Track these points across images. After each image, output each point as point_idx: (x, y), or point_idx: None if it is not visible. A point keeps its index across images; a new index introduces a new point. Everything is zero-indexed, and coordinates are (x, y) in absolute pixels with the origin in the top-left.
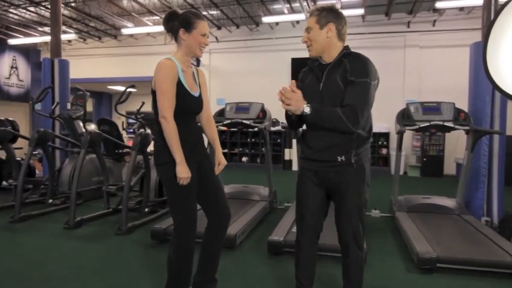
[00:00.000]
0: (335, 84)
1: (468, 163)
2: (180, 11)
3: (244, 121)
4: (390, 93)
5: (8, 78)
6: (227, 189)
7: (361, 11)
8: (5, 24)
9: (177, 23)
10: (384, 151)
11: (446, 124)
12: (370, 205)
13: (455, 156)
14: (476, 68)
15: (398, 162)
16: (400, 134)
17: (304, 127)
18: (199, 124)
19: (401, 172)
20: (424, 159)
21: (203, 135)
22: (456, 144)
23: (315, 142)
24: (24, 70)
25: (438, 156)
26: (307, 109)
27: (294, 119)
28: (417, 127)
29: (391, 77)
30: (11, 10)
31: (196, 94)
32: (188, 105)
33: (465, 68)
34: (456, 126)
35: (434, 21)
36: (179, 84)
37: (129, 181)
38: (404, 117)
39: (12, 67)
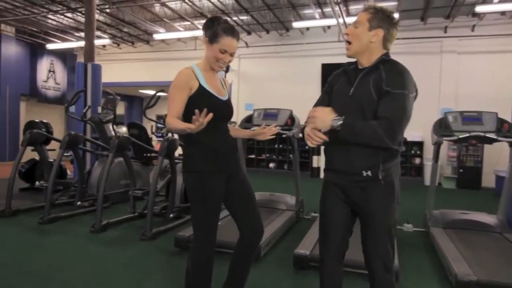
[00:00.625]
0: (366, 91)
1: (511, 178)
2: (223, 19)
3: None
4: (425, 101)
5: (46, 81)
6: None
7: (395, 15)
8: (44, 29)
9: (207, 33)
10: (417, 160)
11: (488, 135)
12: (402, 218)
13: (495, 168)
14: None
15: (434, 174)
16: (437, 145)
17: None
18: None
19: (435, 183)
20: (461, 170)
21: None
22: (497, 155)
23: (340, 153)
24: (60, 74)
25: (475, 167)
26: (336, 123)
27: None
28: (455, 138)
29: (426, 84)
30: (49, 16)
31: (224, 98)
32: (213, 107)
33: (507, 75)
34: (499, 138)
35: (474, 26)
36: (200, 88)
37: (154, 186)
38: (442, 127)
39: (49, 71)
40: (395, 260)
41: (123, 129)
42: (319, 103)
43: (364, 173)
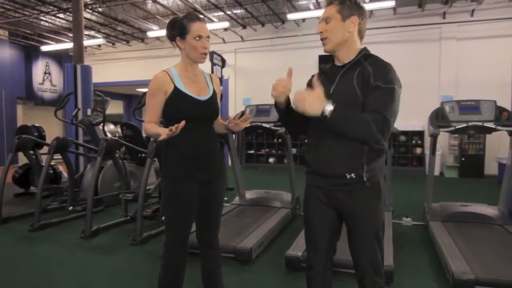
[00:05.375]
0: (350, 87)
1: None
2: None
3: (264, 124)
4: (425, 89)
5: (42, 83)
6: (248, 194)
7: (392, 3)
8: (37, 31)
9: (174, 32)
10: (418, 150)
11: (486, 124)
12: (401, 211)
13: (497, 156)
14: None
15: (432, 166)
16: (434, 137)
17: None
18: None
19: (437, 173)
20: (463, 159)
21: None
22: (498, 143)
23: (321, 154)
24: (56, 76)
25: (478, 155)
26: (328, 109)
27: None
28: (453, 128)
29: (425, 72)
30: (41, 18)
31: (204, 98)
32: (189, 109)
33: (508, 61)
34: (498, 127)
35: (473, 10)
36: (175, 90)
37: (144, 189)
38: (438, 118)
39: (45, 73)
40: (390, 259)
41: (111, 127)
42: None
43: (348, 176)
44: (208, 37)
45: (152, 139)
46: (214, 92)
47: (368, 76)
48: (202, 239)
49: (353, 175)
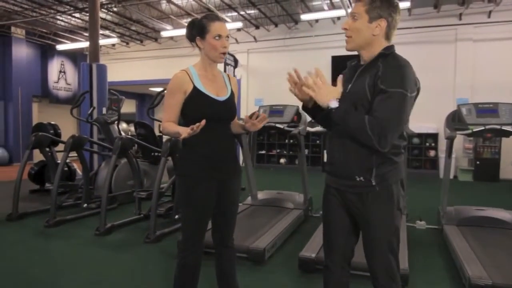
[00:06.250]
0: (360, 88)
1: None
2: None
3: (277, 125)
4: (439, 91)
5: (57, 82)
6: (260, 195)
7: (407, 4)
8: (53, 30)
9: (194, 32)
10: (432, 153)
11: (504, 128)
12: (415, 214)
13: None
14: None
15: (448, 170)
16: (450, 139)
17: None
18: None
19: (451, 176)
20: (477, 162)
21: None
22: None
23: (335, 154)
24: (71, 74)
25: (493, 159)
26: (333, 104)
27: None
28: (470, 131)
29: (440, 74)
30: (58, 17)
31: (223, 98)
32: (208, 109)
33: None
34: None
35: (490, 12)
36: (195, 90)
37: (158, 187)
38: (455, 120)
39: (60, 72)
40: (405, 262)
41: (123, 125)
42: None
43: (357, 178)
44: (228, 36)
45: (166, 138)
46: (232, 93)
47: (378, 77)
48: (218, 238)
49: (362, 178)
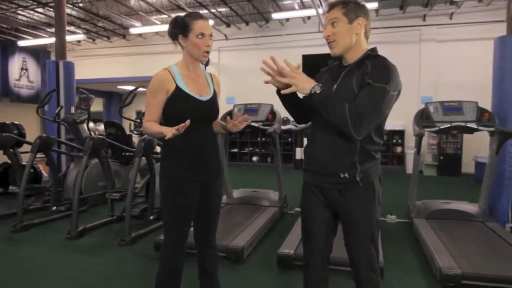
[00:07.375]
0: (348, 87)
1: (492, 167)
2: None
3: (252, 123)
4: (405, 90)
5: (19, 79)
6: (235, 193)
7: (375, 4)
8: (14, 26)
9: (177, 30)
10: (398, 149)
11: (469, 125)
12: (385, 209)
13: (474, 155)
14: (501, 64)
15: (417, 166)
16: (419, 136)
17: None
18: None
19: (418, 174)
20: (441, 158)
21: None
22: (478, 143)
23: (318, 153)
24: (34, 72)
25: (455, 154)
26: (317, 88)
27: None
28: (437, 128)
29: (406, 73)
30: (19, 12)
31: (206, 98)
32: (190, 109)
33: (485, 63)
34: (480, 128)
35: (452, 14)
36: (177, 90)
37: (132, 188)
38: (423, 118)
39: (22, 69)
40: (380, 255)
41: (90, 125)
42: None
43: (342, 175)
44: (211, 35)
45: (136, 137)
46: (215, 92)
47: (366, 75)
48: (201, 239)
49: (346, 174)
